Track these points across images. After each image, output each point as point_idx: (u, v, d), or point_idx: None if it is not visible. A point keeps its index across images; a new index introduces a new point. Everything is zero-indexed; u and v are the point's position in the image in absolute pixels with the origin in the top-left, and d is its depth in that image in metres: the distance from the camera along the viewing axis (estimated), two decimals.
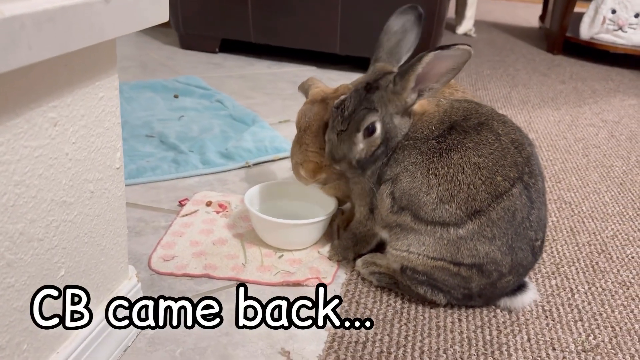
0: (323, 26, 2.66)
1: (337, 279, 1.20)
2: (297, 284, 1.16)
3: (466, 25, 3.90)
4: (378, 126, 1.06)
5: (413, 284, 1.10)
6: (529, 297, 1.13)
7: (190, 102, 2.18)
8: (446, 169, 1.02)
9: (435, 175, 1.02)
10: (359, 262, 1.20)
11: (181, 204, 1.44)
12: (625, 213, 1.56)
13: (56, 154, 0.74)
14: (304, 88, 1.33)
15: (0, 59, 0.56)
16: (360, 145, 1.07)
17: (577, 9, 3.45)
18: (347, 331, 1.04)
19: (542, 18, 4.28)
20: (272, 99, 2.32)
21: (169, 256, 1.22)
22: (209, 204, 1.44)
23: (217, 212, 1.41)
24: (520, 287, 1.13)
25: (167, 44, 3.08)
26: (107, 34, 0.73)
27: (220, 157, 1.70)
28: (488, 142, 1.02)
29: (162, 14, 0.86)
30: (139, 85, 2.28)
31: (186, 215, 1.39)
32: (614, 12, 3.27)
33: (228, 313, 1.07)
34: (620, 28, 3.26)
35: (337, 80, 2.64)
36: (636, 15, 3.22)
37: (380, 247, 1.22)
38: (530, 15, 4.97)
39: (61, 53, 0.65)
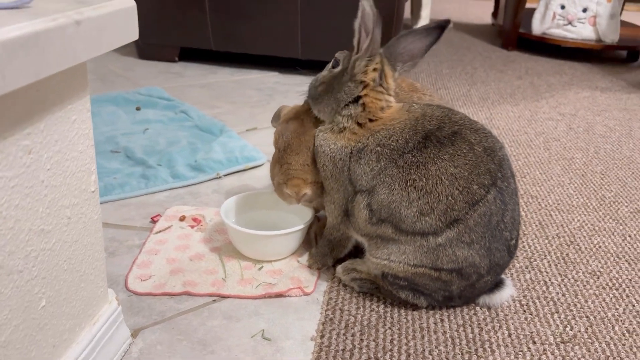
0: (283, 31, 2.66)
1: (318, 286, 1.20)
2: (279, 295, 1.16)
3: (422, 25, 3.96)
4: (339, 65, 1.14)
5: (395, 289, 1.11)
6: (506, 293, 1.16)
7: (154, 114, 2.14)
8: (424, 180, 1.03)
9: (415, 188, 1.04)
10: (339, 269, 1.21)
11: (154, 221, 1.42)
12: (589, 204, 1.62)
13: (32, 182, 0.71)
14: (275, 116, 1.32)
15: None
16: (325, 71, 1.18)
17: (527, 5, 3.55)
18: (333, 340, 1.04)
19: (494, 15, 4.38)
20: (238, 107, 2.30)
21: (146, 275, 1.20)
22: (182, 218, 1.42)
23: (192, 227, 1.39)
24: (497, 284, 1.15)
25: (125, 55, 3.02)
26: (79, 56, 0.71)
27: (190, 169, 1.68)
28: (462, 153, 1.04)
29: (132, 32, 0.84)
30: (99, 99, 2.22)
31: (160, 231, 1.36)
32: (563, 7, 3.38)
33: (212, 330, 1.06)
34: (570, 23, 3.37)
35: (299, 85, 2.64)
36: (584, 10, 3.34)
37: (359, 250, 1.22)
38: (482, 13, 5.08)
39: (35, 80, 0.63)
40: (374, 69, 1.11)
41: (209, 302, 1.14)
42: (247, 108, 2.30)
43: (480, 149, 1.06)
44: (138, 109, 2.18)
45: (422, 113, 1.11)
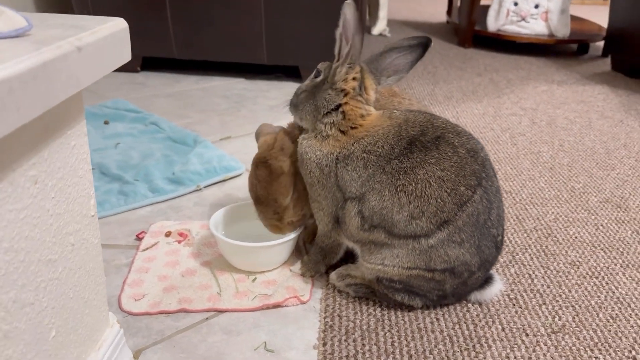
0: (248, 37, 2.65)
1: (314, 294, 1.21)
2: (277, 306, 1.16)
3: (380, 26, 4.02)
4: (320, 75, 1.18)
5: (390, 292, 1.14)
6: (496, 288, 1.20)
7: (123, 128, 2.10)
8: (414, 185, 1.06)
9: (405, 193, 1.06)
10: (333, 275, 1.23)
11: (139, 238, 1.40)
12: (560, 196, 1.69)
13: (39, 212, 0.70)
14: (256, 135, 1.32)
15: None
16: (307, 81, 1.21)
17: (482, 2, 3.64)
18: (336, 347, 1.06)
19: (448, 13, 4.48)
20: (208, 115, 2.28)
21: (139, 295, 1.18)
22: (168, 234, 1.40)
23: (179, 242, 1.38)
24: (487, 280, 1.19)
25: None
26: (82, 82, 0.70)
27: (169, 183, 1.66)
28: (448, 156, 1.08)
29: (126, 53, 0.84)
30: None
31: (147, 249, 1.35)
32: (516, 4, 3.50)
33: (213, 346, 1.06)
34: (523, 19, 3.49)
35: (267, 91, 2.65)
36: (536, 6, 3.46)
37: (350, 255, 1.24)
38: (435, 11, 5.19)
39: (45, 110, 0.62)
40: (354, 78, 1.14)
41: (206, 317, 1.13)
42: (218, 116, 2.29)
43: (464, 151, 1.09)
44: (106, 122, 2.13)
45: (405, 119, 1.14)
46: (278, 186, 1.19)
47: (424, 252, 1.08)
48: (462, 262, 1.08)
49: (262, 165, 1.20)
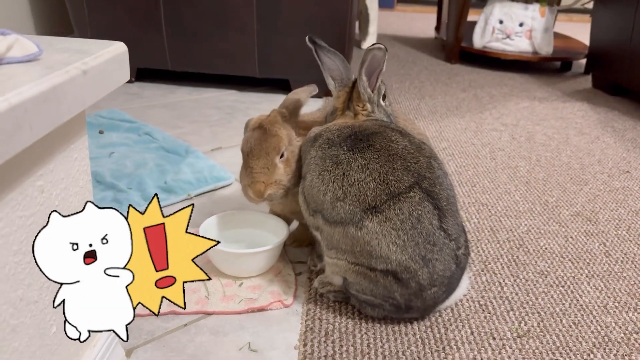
0: (241, 51, 2.74)
1: (297, 298, 1.29)
2: (261, 310, 1.24)
3: (370, 41, 4.12)
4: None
5: (352, 298, 1.22)
6: (459, 292, 1.24)
7: (118, 137, 2.17)
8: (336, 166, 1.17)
9: (328, 172, 1.17)
10: (315, 282, 1.30)
11: None
12: (534, 209, 1.78)
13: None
14: (245, 127, 1.41)
15: (9, 144, 0.61)
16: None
17: (469, 18, 3.76)
18: (315, 347, 1.13)
19: (437, 29, 4.60)
20: (200, 126, 2.36)
21: None
22: None
23: None
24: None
25: None
26: (86, 102, 0.78)
27: (161, 191, 1.73)
28: (378, 148, 1.16)
29: (125, 74, 0.92)
30: None
31: None
32: (501, 22, 3.61)
33: (201, 346, 1.13)
34: (508, 36, 3.60)
35: (258, 103, 2.73)
36: (520, 25, 3.58)
37: None
38: (425, 26, 5.31)
39: (54, 128, 0.70)
40: None
41: (195, 319, 1.21)
42: (209, 127, 2.37)
43: (401, 147, 1.17)
44: (101, 132, 2.20)
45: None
46: (271, 143, 1.30)
47: (355, 241, 1.12)
48: (404, 268, 1.10)
49: (257, 129, 1.32)
